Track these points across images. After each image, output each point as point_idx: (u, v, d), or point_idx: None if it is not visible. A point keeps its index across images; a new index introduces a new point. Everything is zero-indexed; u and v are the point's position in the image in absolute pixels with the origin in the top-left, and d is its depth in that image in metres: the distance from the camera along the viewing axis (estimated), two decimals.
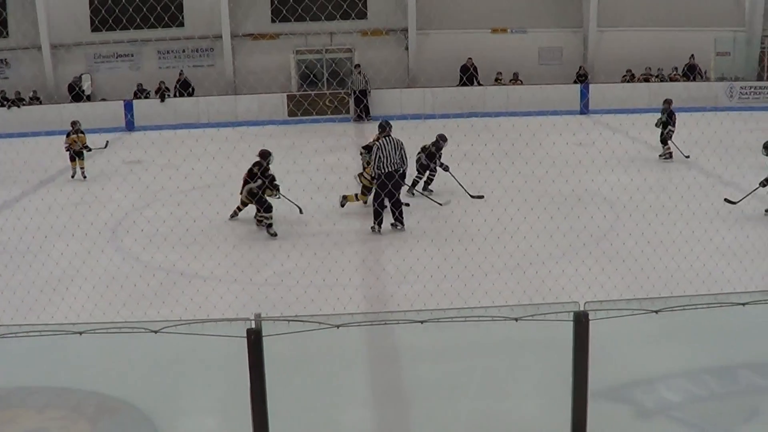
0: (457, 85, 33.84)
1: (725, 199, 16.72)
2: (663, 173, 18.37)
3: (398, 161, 15.68)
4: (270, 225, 15.87)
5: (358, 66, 33.36)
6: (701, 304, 6.83)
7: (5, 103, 32.91)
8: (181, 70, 34.19)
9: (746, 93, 34.53)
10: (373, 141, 16.98)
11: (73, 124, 21.98)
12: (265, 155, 16.17)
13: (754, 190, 16.64)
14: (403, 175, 15.95)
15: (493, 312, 6.62)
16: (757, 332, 8.83)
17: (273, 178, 16.31)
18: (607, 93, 33.03)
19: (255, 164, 16.19)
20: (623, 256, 13.66)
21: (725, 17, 36.46)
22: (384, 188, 15.62)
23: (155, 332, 6.47)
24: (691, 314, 6.89)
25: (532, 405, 8.48)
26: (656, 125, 23.16)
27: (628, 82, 35.04)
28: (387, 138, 15.91)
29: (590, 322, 6.47)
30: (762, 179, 16.60)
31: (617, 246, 14.46)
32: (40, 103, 33.01)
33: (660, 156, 23.05)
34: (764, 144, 17.05)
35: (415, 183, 18.88)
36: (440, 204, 17.56)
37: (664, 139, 23.01)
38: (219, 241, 15.23)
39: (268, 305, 11.83)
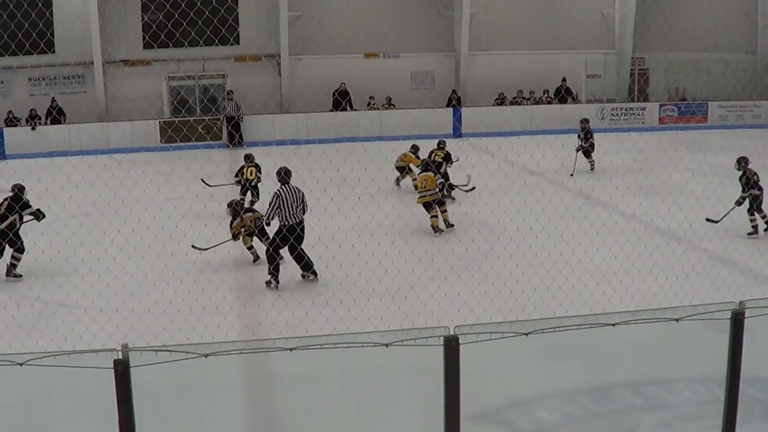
0: (331, 110, 33.82)
1: (707, 219, 16.87)
2: (541, 195, 18.46)
3: (299, 213, 14.21)
4: (15, 267, 15.00)
5: (230, 92, 33.09)
6: (571, 325, 6.80)
7: None
8: (53, 97, 33.40)
9: (617, 114, 35.30)
10: None
11: None
12: (20, 189, 15.28)
13: (731, 209, 16.82)
14: (303, 228, 14.39)
15: (363, 338, 6.51)
16: (629, 352, 8.87)
17: (24, 207, 15.23)
18: (479, 116, 33.50)
19: (7, 199, 15.16)
20: (492, 279, 13.68)
21: (596, 40, 37.33)
22: (285, 241, 14.06)
23: (20, 365, 6.21)
24: (562, 336, 6.87)
25: (408, 430, 8.36)
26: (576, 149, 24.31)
27: (500, 105, 35.42)
28: (287, 187, 14.37)
29: (461, 346, 6.39)
30: (738, 197, 16.83)
31: (486, 269, 14.53)
32: None
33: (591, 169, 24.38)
34: (737, 159, 17.12)
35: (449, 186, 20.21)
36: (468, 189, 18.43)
37: (587, 153, 24.29)
38: (83, 271, 14.76)
39: (135, 335, 11.57)
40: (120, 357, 6.20)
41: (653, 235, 16.59)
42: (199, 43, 29.68)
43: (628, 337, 7.79)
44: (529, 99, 35.88)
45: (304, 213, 14.34)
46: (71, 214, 18.78)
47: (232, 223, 15.82)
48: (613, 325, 6.86)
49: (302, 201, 14.30)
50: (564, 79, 36.04)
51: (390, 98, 35.17)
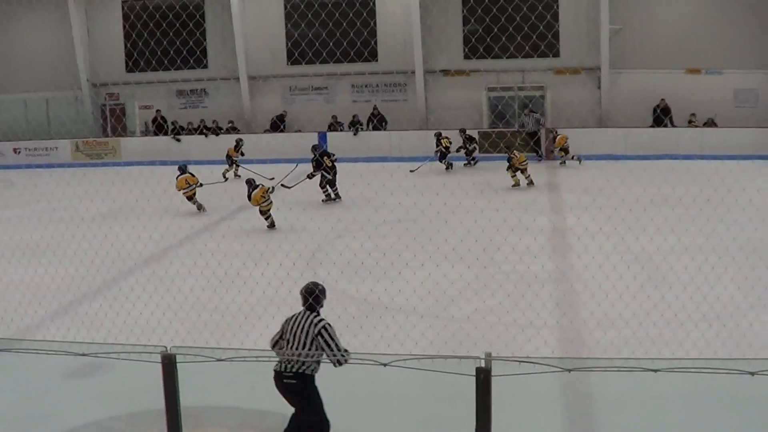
0: (650, 126, 33.15)
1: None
2: None
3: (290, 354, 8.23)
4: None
5: (531, 109, 33.11)
6: None
7: (204, 131, 34.12)
8: (375, 105, 34.72)
9: None
10: None
11: (180, 168, 22.93)
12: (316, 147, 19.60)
13: None
14: (306, 380, 8.19)
15: (729, 365, 6.25)
16: None
17: None
18: None
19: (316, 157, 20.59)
20: None
21: None
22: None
23: (384, 365, 6.41)
24: None
25: None
26: None
27: None
28: (301, 315, 8.58)
29: None
30: None
31: None
32: (238, 132, 34.02)
33: None
34: None
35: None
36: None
37: None
38: (408, 275, 14.83)
39: (455, 343, 11.69)
40: (482, 365, 6.26)
41: None
42: (519, 55, 29.83)
43: None
44: None
45: (303, 365, 8.17)
46: (398, 218, 19.41)
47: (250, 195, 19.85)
48: None
49: (309, 342, 8.25)
50: None
51: (711, 118, 34.06)
